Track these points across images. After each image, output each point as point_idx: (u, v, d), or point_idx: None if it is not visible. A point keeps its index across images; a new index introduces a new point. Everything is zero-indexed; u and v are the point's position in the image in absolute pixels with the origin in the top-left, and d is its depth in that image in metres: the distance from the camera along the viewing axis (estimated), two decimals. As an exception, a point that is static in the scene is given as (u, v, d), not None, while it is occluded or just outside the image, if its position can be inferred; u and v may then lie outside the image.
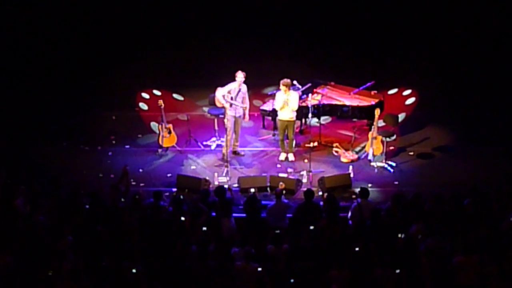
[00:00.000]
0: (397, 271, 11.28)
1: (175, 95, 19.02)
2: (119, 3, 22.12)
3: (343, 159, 15.97)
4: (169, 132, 16.17)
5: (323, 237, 12.27)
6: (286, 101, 15.47)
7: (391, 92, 18.85)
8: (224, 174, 15.22)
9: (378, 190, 14.69)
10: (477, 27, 21.25)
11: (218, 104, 15.94)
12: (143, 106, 18.58)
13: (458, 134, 17.07)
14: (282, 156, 16.05)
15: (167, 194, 14.54)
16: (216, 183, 14.93)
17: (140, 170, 15.67)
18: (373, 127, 15.77)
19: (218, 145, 16.41)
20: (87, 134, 17.21)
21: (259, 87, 18.76)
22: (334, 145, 16.44)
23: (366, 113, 16.49)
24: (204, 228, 12.61)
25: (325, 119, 17.26)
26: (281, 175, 15.31)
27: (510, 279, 11.26)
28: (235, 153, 16.13)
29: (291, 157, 15.99)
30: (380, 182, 15.07)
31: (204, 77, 19.44)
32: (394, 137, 16.39)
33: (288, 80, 15.51)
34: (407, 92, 18.95)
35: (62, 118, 17.86)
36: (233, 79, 15.60)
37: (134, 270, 11.21)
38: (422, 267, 11.43)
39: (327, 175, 15.19)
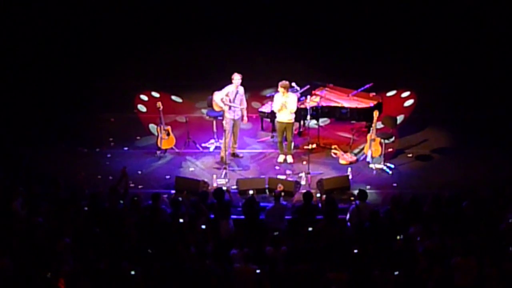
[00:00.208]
0: (396, 273, 11.28)
1: (173, 97, 19.02)
2: (117, 5, 22.13)
3: (342, 161, 15.97)
4: (168, 134, 16.17)
5: (322, 239, 12.27)
6: (284, 104, 15.47)
7: (389, 94, 18.86)
8: (222, 176, 15.22)
9: (377, 192, 14.69)
10: (475, 29, 21.27)
11: (216, 108, 15.96)
12: (142, 108, 18.59)
13: (456, 136, 17.07)
14: (281, 158, 16.05)
15: (165, 196, 14.54)
16: (215, 185, 14.93)
17: (139, 172, 15.67)
18: (371, 129, 15.77)
19: (216, 147, 16.41)
20: (86, 136, 17.20)
21: (257, 89, 18.77)
22: (333, 147, 16.44)
23: (364, 115, 16.49)
24: (203, 226, 12.62)
25: (323, 121, 17.27)
26: (279, 177, 15.31)
27: (509, 281, 11.27)
28: (233, 155, 16.13)
29: (289, 159, 15.99)
30: (378, 184, 15.06)
31: (203, 79, 19.44)
32: (393, 139, 16.40)
33: (287, 82, 15.52)
34: (405, 94, 18.96)
35: (61, 120, 17.86)
36: (231, 81, 15.61)
37: (133, 272, 11.20)
38: (421, 269, 11.43)
39: (326, 177, 15.18)
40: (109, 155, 16.43)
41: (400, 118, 17.53)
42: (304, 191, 13.77)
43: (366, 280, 11.32)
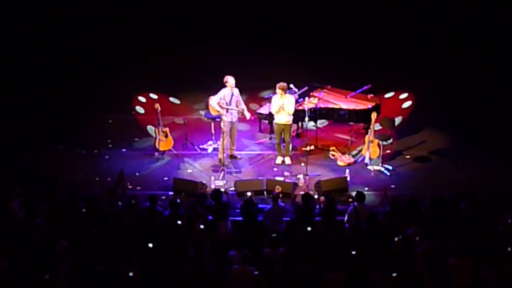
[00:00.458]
0: (394, 274, 11.27)
1: (171, 99, 19.01)
2: (116, 7, 22.14)
3: (340, 163, 15.97)
4: (166, 136, 16.17)
5: (320, 240, 12.26)
6: (282, 105, 15.48)
7: (387, 95, 18.86)
8: (220, 178, 15.21)
9: (375, 193, 14.68)
10: (473, 30, 21.30)
11: (213, 113, 15.97)
12: (140, 109, 18.58)
13: (454, 138, 17.08)
14: (279, 160, 16.05)
15: (163, 197, 14.54)
16: (213, 186, 14.92)
17: (137, 174, 15.67)
18: (369, 130, 15.77)
19: (214, 149, 16.40)
20: (84, 138, 17.19)
21: (255, 90, 18.78)
22: (331, 148, 16.44)
23: (362, 116, 16.49)
24: (202, 226, 12.62)
25: (321, 123, 17.27)
26: (277, 178, 15.30)
27: (506, 282, 11.27)
28: (232, 157, 16.13)
29: (287, 160, 15.99)
30: (376, 185, 15.06)
31: (201, 80, 19.44)
32: (391, 140, 16.39)
33: (285, 84, 15.54)
34: (403, 95, 18.97)
35: (59, 121, 17.85)
36: (225, 84, 15.61)
37: (130, 274, 11.19)
38: (419, 270, 11.42)
39: (324, 178, 15.19)
40: (107, 157, 16.43)
41: (398, 120, 17.54)
42: (302, 192, 13.78)
43: (364, 282, 11.32)
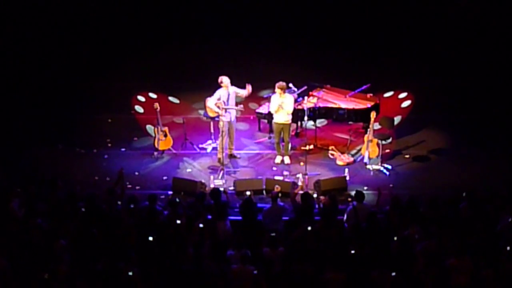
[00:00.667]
0: (393, 274, 11.27)
1: (171, 98, 19.01)
2: (115, 6, 22.13)
3: (339, 162, 15.98)
4: (165, 135, 16.17)
5: (319, 239, 12.26)
6: (281, 105, 15.48)
7: (387, 95, 18.86)
8: (220, 177, 15.22)
9: (374, 193, 14.66)
10: (472, 30, 21.30)
11: (211, 114, 16.00)
12: (139, 109, 18.58)
13: (454, 137, 17.08)
14: (278, 159, 16.05)
15: (163, 197, 14.54)
16: (212, 186, 14.92)
17: (136, 173, 15.67)
18: (369, 130, 15.78)
19: (214, 148, 16.41)
20: (83, 137, 17.19)
21: (254, 90, 18.73)
22: (330, 148, 16.45)
23: (362, 116, 16.50)
24: (201, 225, 12.63)
25: (321, 122, 17.27)
26: (277, 178, 15.31)
27: (506, 282, 11.27)
28: (231, 156, 16.13)
29: (287, 160, 16.00)
30: (376, 185, 15.03)
31: (200, 80, 19.43)
32: (390, 140, 16.40)
33: (284, 83, 15.54)
34: (403, 95, 18.97)
35: (58, 121, 17.85)
36: (220, 85, 15.63)
37: (130, 273, 11.19)
38: (418, 270, 11.43)
39: (323, 178, 15.19)
40: (106, 156, 16.43)
41: (397, 119, 17.54)
42: (301, 191, 13.79)
43: (364, 281, 11.32)
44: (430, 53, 20.80)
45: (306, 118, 15.56)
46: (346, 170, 15.47)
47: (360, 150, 16.23)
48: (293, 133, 16.73)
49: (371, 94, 16.97)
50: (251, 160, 16.31)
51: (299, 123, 16.96)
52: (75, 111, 18.31)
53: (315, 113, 16.44)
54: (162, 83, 19.65)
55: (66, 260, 11.54)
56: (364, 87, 16.98)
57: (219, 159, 15.67)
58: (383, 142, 15.91)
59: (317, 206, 13.47)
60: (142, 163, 16.13)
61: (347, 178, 15.16)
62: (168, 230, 12.50)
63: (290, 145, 16.04)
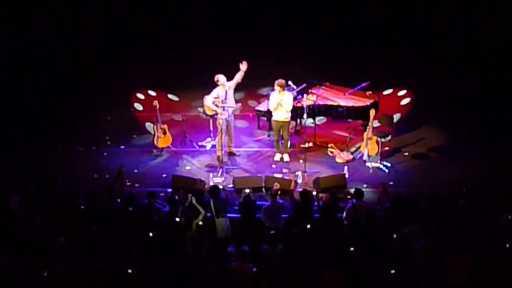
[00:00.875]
0: (392, 271, 11.28)
1: (170, 96, 19.01)
2: (114, 4, 22.12)
3: (338, 160, 15.98)
4: (164, 133, 16.17)
5: (319, 237, 12.27)
6: (280, 102, 15.48)
7: (386, 92, 18.86)
8: (219, 175, 15.22)
9: (373, 190, 14.68)
10: (471, 27, 21.30)
11: (209, 112, 16.00)
12: (138, 106, 18.58)
13: (453, 135, 17.07)
14: (277, 157, 16.06)
15: (162, 194, 14.54)
16: (211, 183, 14.92)
17: (135, 171, 15.67)
18: (368, 127, 15.78)
19: (213, 146, 16.40)
20: (82, 135, 17.19)
21: (254, 87, 18.78)
22: (329, 145, 16.45)
23: (361, 113, 16.50)
24: (201, 223, 12.63)
25: (320, 120, 17.26)
26: (276, 175, 15.31)
27: (505, 279, 11.29)
28: (230, 154, 16.13)
29: (286, 157, 15.99)
30: (375, 182, 15.05)
31: (199, 77, 19.42)
32: (389, 137, 16.38)
33: (283, 81, 15.53)
34: (402, 92, 18.96)
35: (57, 119, 17.84)
36: (228, 80, 15.62)
37: (129, 271, 11.20)
38: (417, 267, 11.43)
39: (322, 175, 15.19)
40: (105, 154, 16.43)
41: (396, 117, 17.54)
42: (300, 189, 13.80)
43: (363, 278, 11.33)
44: (429, 50, 20.79)
45: (305, 115, 15.55)
46: (346, 167, 15.47)
47: (359, 147, 16.23)
48: (292, 131, 16.72)
49: (370, 92, 16.97)
50: (250, 158, 16.30)
51: (298, 120, 16.97)
52: (74, 109, 18.30)
53: (314, 110, 16.44)
54: (161, 80, 19.64)
55: (66, 257, 11.54)
56: (363, 84, 16.98)
57: (218, 157, 15.67)
58: (382, 139, 15.91)
59: (316, 203, 13.47)
60: (141, 160, 16.13)
61: (346, 175, 15.16)
62: (167, 228, 12.52)
63: (289, 143, 16.04)
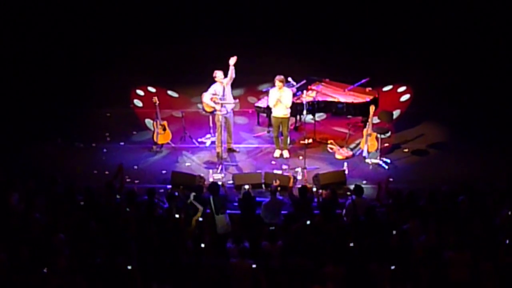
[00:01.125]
0: (392, 267, 11.29)
1: (169, 92, 19.01)
2: (113, 0, 22.11)
3: (338, 156, 15.98)
4: (164, 129, 16.16)
5: (318, 233, 12.27)
6: (279, 99, 15.47)
7: (386, 88, 18.86)
8: (218, 171, 15.22)
9: (373, 187, 14.67)
10: (471, 24, 21.28)
11: (207, 109, 16.00)
12: (138, 103, 18.58)
13: (452, 131, 17.08)
14: (277, 153, 16.05)
15: (162, 191, 14.54)
16: (211, 179, 14.92)
17: (135, 167, 15.67)
18: (367, 123, 15.77)
19: (212, 142, 16.40)
20: (82, 131, 17.19)
21: (253, 83, 18.78)
22: (329, 142, 16.45)
23: (361, 109, 16.49)
24: (200, 219, 12.63)
25: (320, 116, 17.25)
26: (275, 172, 15.31)
27: (504, 275, 11.29)
28: (230, 150, 16.13)
29: (285, 154, 15.99)
30: (374, 178, 15.04)
31: (199, 73, 19.41)
32: (389, 133, 16.39)
33: (283, 77, 15.52)
34: (402, 89, 18.96)
35: (57, 115, 17.84)
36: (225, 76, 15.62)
37: (129, 267, 11.20)
38: (417, 263, 11.44)
39: (322, 171, 15.19)
40: (105, 150, 16.42)
41: (396, 113, 17.53)
42: (300, 185, 13.80)
43: (363, 275, 11.33)
44: (429, 47, 20.78)
45: (305, 112, 15.56)
46: (345, 164, 15.47)
47: (359, 144, 16.23)
48: (292, 127, 16.72)
49: (370, 88, 16.96)
50: (250, 154, 16.30)
51: (298, 117, 16.97)
52: (74, 106, 18.29)
53: (314, 107, 16.44)
54: (161, 77, 19.64)
55: (65, 254, 11.54)
56: (363, 81, 16.98)
57: (218, 153, 15.67)
58: (382, 136, 15.90)
59: (316, 199, 13.48)
60: (141, 157, 16.13)
61: (346, 172, 15.16)
62: (167, 224, 12.52)
63: (289, 139, 16.04)
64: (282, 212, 13.38)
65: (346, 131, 16.78)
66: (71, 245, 11.83)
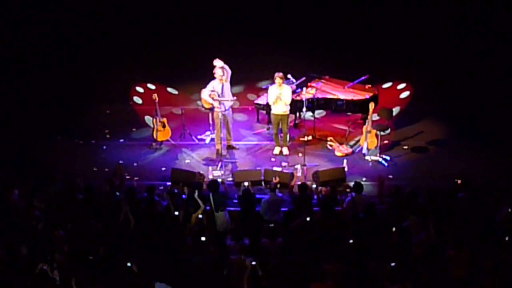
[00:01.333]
0: (392, 264, 11.28)
1: (169, 89, 19.01)
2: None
3: (338, 153, 15.97)
4: (164, 126, 16.16)
5: (318, 230, 12.26)
6: (279, 96, 15.47)
7: (385, 86, 18.86)
8: (218, 168, 15.22)
9: (373, 184, 14.67)
10: (470, 21, 21.28)
11: (206, 106, 15.99)
12: (138, 100, 18.57)
13: (452, 128, 17.08)
14: (277, 150, 16.05)
15: (161, 188, 14.54)
16: (211, 177, 14.91)
17: (135, 164, 15.67)
18: (367, 121, 15.77)
19: (212, 139, 16.40)
20: (82, 128, 17.18)
21: (253, 80, 18.77)
22: (329, 139, 16.44)
23: (360, 107, 16.49)
24: (200, 216, 12.63)
25: (319, 113, 17.27)
26: (275, 169, 15.30)
27: (504, 272, 11.28)
28: (229, 147, 16.12)
29: (285, 151, 15.99)
30: (374, 176, 15.04)
31: (199, 70, 19.40)
32: (389, 131, 16.39)
33: (283, 74, 15.52)
34: (401, 86, 18.96)
35: (57, 112, 17.83)
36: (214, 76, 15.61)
37: (129, 264, 11.20)
38: (417, 261, 11.43)
39: (321, 169, 15.19)
40: (104, 147, 16.42)
41: (396, 110, 17.54)
42: (299, 182, 13.79)
43: (362, 272, 11.33)
44: (428, 43, 20.78)
45: (304, 109, 15.55)
46: (345, 161, 15.47)
47: (358, 141, 16.23)
48: (291, 124, 16.72)
49: (370, 85, 16.96)
50: (250, 151, 16.30)
51: (297, 114, 16.97)
52: (73, 102, 18.29)
53: (313, 104, 16.44)
54: (161, 74, 19.63)
55: (65, 251, 11.54)
56: (362, 78, 16.97)
57: (217, 150, 15.67)
58: (382, 133, 15.91)
59: (315, 196, 13.47)
60: (141, 154, 16.12)
61: (346, 169, 15.16)
62: (166, 221, 12.51)
63: (288, 136, 16.03)
64: (282, 209, 13.38)
65: (346, 128, 16.79)
66: (70, 241, 11.81)
